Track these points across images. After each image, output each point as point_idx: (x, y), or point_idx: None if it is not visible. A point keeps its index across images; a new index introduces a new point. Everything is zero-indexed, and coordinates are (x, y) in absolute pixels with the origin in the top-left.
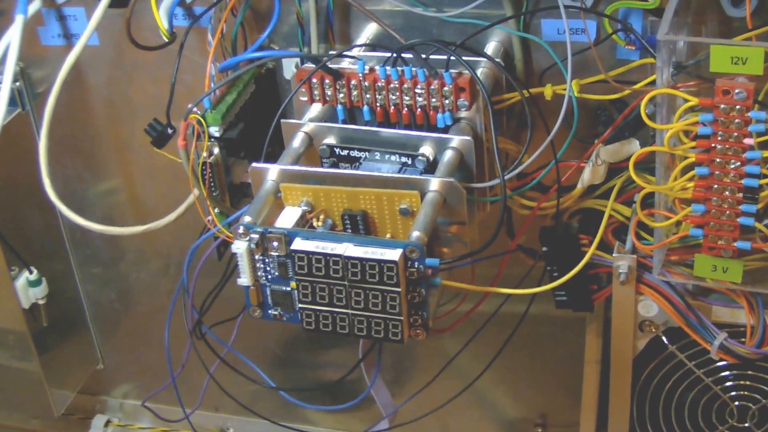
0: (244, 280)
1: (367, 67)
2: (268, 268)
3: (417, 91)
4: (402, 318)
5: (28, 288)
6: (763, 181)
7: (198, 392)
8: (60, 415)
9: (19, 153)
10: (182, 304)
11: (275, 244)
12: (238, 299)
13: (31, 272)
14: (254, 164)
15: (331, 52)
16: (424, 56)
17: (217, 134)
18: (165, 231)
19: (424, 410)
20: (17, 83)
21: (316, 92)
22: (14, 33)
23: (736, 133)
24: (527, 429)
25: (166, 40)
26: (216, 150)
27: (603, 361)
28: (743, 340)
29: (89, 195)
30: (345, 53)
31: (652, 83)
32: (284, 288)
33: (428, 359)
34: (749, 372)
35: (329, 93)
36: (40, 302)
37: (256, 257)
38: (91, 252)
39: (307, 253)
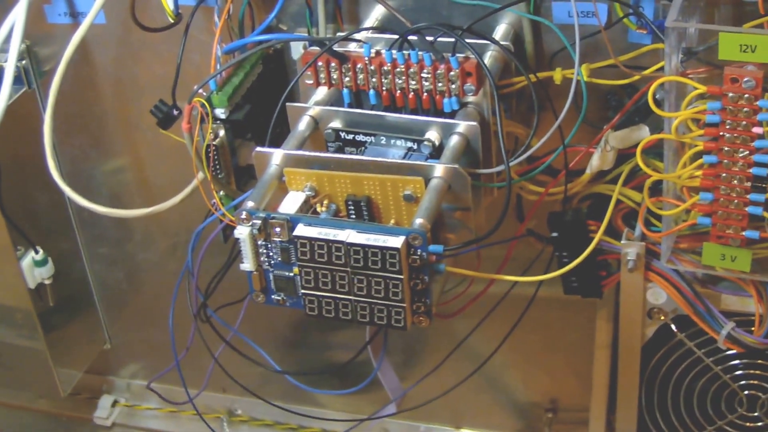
0: (247, 265)
1: (373, 51)
2: (270, 254)
3: (423, 75)
4: (405, 305)
5: (33, 268)
6: None
7: (206, 373)
8: (66, 395)
9: (25, 132)
10: (187, 286)
11: (278, 229)
12: (244, 282)
13: (36, 252)
14: (258, 148)
15: (338, 35)
16: (430, 40)
17: (222, 116)
18: (173, 211)
19: (433, 394)
20: (23, 61)
21: (321, 75)
22: (20, 11)
23: (744, 122)
24: (537, 413)
25: (171, 21)
26: (222, 132)
27: (614, 346)
28: (753, 329)
29: (96, 174)
30: (351, 37)
31: (663, 69)
32: (287, 273)
33: (437, 342)
34: (759, 361)
35: (335, 76)
36: (46, 282)
37: (259, 242)
38: (99, 232)
39: (310, 239)
